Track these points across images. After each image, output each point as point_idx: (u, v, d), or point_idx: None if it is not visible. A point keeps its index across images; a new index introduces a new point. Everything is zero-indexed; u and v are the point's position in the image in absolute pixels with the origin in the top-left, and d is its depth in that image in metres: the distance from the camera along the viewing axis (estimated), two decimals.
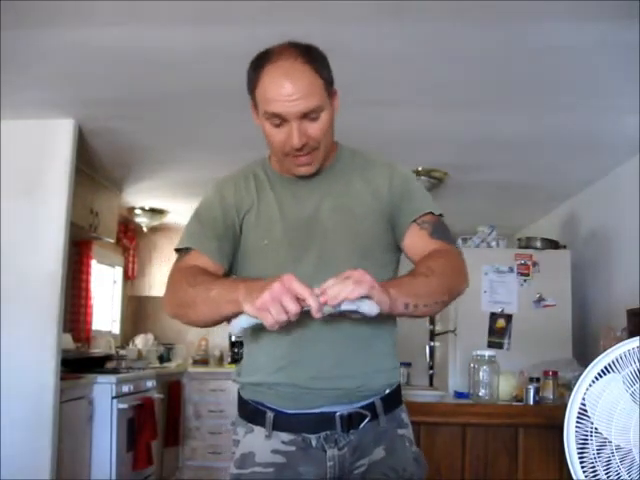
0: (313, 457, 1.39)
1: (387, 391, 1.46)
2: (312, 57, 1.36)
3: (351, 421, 1.40)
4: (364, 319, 1.23)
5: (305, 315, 1.20)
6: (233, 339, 6.02)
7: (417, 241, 1.45)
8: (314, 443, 1.40)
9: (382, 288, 1.21)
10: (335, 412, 1.40)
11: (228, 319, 1.29)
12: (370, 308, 1.19)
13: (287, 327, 1.22)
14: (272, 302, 1.15)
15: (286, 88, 1.31)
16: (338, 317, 1.24)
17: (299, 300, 1.16)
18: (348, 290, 1.16)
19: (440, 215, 1.49)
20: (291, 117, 1.33)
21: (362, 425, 1.41)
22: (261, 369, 1.44)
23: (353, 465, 1.41)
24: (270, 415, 1.41)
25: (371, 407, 1.42)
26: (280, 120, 1.35)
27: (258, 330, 1.39)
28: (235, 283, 1.30)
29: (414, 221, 1.45)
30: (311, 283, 1.19)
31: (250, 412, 1.45)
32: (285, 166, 1.45)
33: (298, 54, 1.35)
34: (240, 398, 1.49)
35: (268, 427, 1.41)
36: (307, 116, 1.34)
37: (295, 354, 1.40)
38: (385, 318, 1.42)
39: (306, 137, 1.36)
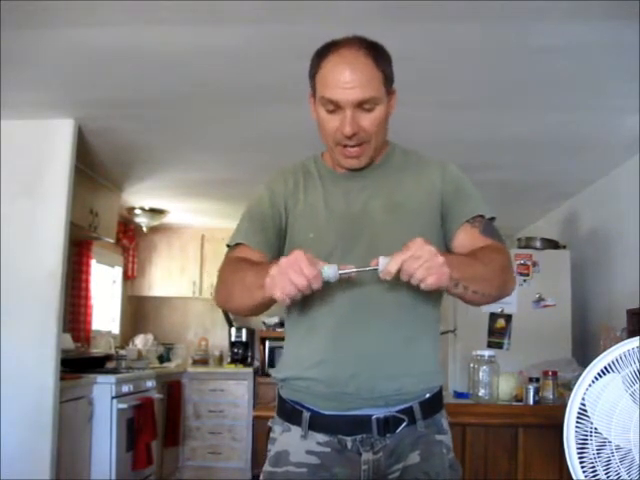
0: (348, 459, 1.37)
1: (427, 395, 1.42)
2: (376, 51, 1.39)
3: (388, 425, 1.38)
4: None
5: (346, 305, 1.34)
6: (233, 339, 6.02)
7: (467, 238, 1.42)
8: (349, 445, 1.38)
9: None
10: (372, 415, 1.37)
11: (265, 305, 1.32)
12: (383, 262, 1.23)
13: (310, 303, 1.32)
14: (279, 276, 1.19)
15: (345, 75, 1.34)
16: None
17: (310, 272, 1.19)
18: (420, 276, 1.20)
19: (492, 218, 1.47)
20: (346, 104, 1.35)
21: (399, 430, 1.38)
22: (298, 363, 1.42)
23: (388, 470, 1.38)
24: (306, 415, 1.40)
25: (409, 411, 1.39)
26: (334, 107, 1.36)
27: (296, 322, 1.44)
28: (268, 267, 1.27)
29: (466, 221, 1.44)
30: None
31: (288, 411, 1.44)
32: (334, 157, 1.45)
33: (362, 46, 1.38)
34: (279, 397, 1.48)
35: (304, 427, 1.40)
36: (362, 106, 1.36)
37: (333, 350, 1.38)
38: (430, 314, 1.44)
39: (358, 127, 1.37)
